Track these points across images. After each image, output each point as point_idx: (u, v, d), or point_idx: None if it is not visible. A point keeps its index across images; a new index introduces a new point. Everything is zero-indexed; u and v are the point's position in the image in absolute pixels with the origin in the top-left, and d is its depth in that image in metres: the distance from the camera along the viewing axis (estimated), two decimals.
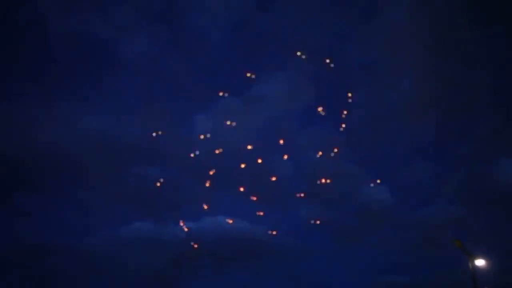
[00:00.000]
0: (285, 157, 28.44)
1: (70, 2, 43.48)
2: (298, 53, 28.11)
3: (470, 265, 16.69)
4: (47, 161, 41.44)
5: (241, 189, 28.52)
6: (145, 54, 47.64)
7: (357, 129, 39.16)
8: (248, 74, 28.50)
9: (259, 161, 27.60)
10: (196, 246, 29.37)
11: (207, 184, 28.38)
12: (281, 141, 28.31)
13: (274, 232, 30.39)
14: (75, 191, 43.34)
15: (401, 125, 45.17)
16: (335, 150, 29.25)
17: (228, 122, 28.18)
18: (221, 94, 29.63)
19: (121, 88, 48.75)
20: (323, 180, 28.83)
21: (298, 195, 31.68)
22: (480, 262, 16.52)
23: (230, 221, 29.84)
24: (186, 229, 30.33)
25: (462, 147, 45.55)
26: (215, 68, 51.38)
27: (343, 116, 28.77)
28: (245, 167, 27.85)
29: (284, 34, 46.47)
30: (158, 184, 29.86)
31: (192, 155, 28.48)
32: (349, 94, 28.56)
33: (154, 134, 30.77)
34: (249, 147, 27.70)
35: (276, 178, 29.59)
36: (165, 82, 48.23)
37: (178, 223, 42.51)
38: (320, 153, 29.23)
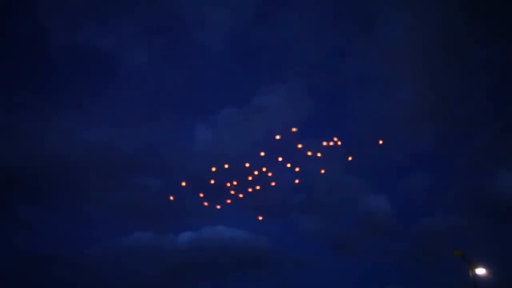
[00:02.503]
0: (288, 165, 28.43)
1: (72, 15, 44.15)
2: None
3: (470, 273, 16.87)
4: (49, 172, 41.61)
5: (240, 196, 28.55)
6: (145, 66, 48.24)
7: (357, 141, 39.54)
8: None
9: (264, 169, 27.74)
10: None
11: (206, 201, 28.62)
12: (280, 158, 28.31)
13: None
14: (76, 202, 43.44)
15: (400, 136, 45.65)
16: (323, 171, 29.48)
17: None
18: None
19: (122, 100, 49.22)
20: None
21: None
22: (480, 271, 16.71)
23: (219, 207, 29.66)
24: None
25: (461, 158, 46.01)
26: (215, 80, 52.03)
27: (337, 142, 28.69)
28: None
29: (283, 46, 47.36)
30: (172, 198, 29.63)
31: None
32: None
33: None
34: (262, 153, 27.76)
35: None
36: (165, 94, 48.69)
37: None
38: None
